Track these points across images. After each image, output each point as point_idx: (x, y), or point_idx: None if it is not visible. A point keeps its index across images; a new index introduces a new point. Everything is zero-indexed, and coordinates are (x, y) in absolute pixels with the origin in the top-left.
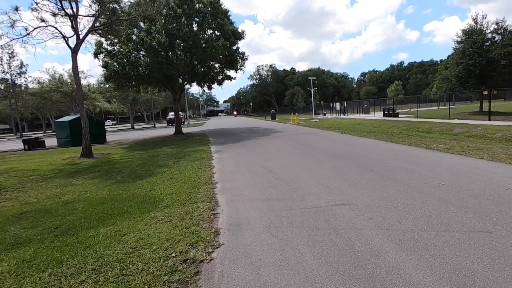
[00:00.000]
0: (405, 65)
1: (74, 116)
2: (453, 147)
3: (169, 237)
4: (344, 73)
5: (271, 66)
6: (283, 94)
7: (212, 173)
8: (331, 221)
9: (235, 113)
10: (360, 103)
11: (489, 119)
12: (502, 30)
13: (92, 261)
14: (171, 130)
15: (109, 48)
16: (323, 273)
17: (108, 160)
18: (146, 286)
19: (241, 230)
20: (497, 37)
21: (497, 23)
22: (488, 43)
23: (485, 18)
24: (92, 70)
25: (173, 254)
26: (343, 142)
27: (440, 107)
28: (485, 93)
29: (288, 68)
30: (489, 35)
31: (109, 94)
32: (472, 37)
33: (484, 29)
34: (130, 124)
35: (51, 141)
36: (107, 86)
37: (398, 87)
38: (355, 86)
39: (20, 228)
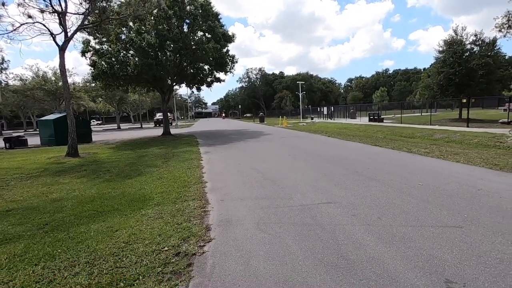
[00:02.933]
0: (390, 72)
1: (59, 115)
2: (432, 151)
3: (161, 233)
4: (331, 78)
5: (260, 69)
6: (272, 97)
7: (201, 173)
8: (317, 218)
9: (223, 115)
10: (347, 108)
11: (467, 126)
12: (480, 42)
13: (85, 255)
14: (158, 131)
15: (97, 46)
16: (309, 263)
17: (95, 160)
18: (140, 277)
19: (231, 226)
20: (476, 48)
21: (475, 35)
22: (467, 54)
23: (465, 29)
24: (77, 68)
25: (166, 248)
26: (330, 145)
27: (422, 114)
28: (464, 101)
29: (277, 72)
30: (468, 46)
31: (95, 93)
32: (453, 47)
33: (464, 40)
34: (116, 124)
35: (33, 140)
36: (93, 85)
37: (383, 93)
38: (342, 91)
39: (8, 225)
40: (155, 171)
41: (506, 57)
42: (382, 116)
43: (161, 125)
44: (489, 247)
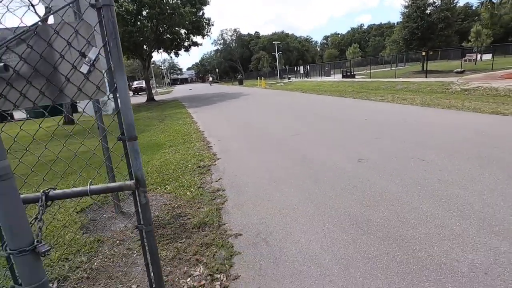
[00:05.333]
0: (365, 27)
1: None
2: (386, 98)
3: (182, 159)
4: (307, 36)
5: (235, 30)
6: (249, 59)
7: (197, 126)
8: (289, 144)
9: (210, 79)
10: (322, 66)
11: (426, 77)
12: None
13: None
14: (140, 99)
15: None
16: (283, 162)
17: (93, 125)
18: (180, 176)
19: (230, 152)
20: (437, 2)
21: None
22: (430, 8)
23: None
24: None
25: (189, 165)
26: (303, 100)
27: (392, 68)
28: (424, 53)
29: (252, 32)
30: (431, 0)
31: None
32: (416, 2)
33: None
34: None
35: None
36: None
37: (356, 49)
38: (318, 49)
39: (58, 169)
40: (156, 128)
41: (473, 8)
42: (354, 73)
43: (140, 93)
44: (388, 145)
